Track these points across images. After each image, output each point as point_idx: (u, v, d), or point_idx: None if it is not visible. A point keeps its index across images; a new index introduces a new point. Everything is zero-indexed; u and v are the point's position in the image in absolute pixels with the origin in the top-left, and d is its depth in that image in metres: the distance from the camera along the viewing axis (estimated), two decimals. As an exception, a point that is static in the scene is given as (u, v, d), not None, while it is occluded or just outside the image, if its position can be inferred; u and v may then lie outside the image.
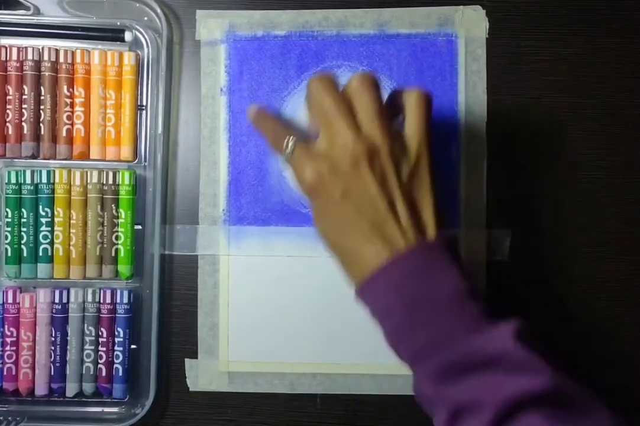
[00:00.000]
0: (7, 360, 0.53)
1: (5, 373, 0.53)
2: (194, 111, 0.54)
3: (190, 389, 0.54)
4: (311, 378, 0.54)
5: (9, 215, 0.52)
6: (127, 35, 0.52)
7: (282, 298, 0.54)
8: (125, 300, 0.53)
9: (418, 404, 0.43)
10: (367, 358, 0.53)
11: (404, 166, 0.43)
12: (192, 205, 0.54)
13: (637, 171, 0.53)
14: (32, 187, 0.52)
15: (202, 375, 0.54)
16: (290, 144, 0.46)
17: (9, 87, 0.52)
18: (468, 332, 0.40)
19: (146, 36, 0.53)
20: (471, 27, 0.54)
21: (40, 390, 0.53)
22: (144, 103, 0.53)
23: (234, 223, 0.54)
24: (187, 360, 0.54)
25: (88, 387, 0.53)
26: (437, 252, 0.42)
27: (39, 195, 0.52)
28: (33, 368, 0.53)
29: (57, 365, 0.53)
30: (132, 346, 0.53)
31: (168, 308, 0.54)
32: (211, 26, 0.54)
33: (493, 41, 0.53)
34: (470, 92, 0.53)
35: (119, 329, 0.53)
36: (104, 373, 0.53)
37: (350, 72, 0.54)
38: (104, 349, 0.53)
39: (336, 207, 0.43)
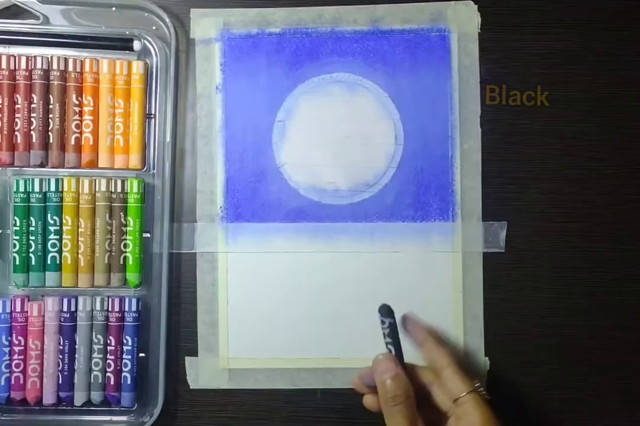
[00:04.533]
0: (15, 369, 0.53)
1: (13, 382, 0.53)
2: (201, 119, 0.55)
3: (191, 387, 0.54)
4: (311, 373, 0.54)
5: (18, 223, 0.52)
6: (136, 45, 0.53)
7: (281, 294, 0.54)
8: (134, 308, 0.53)
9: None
10: (366, 352, 0.53)
11: None
12: (190, 203, 0.55)
13: (630, 162, 0.54)
14: (40, 196, 0.52)
15: (203, 373, 0.54)
16: None
17: (17, 96, 0.52)
18: None
19: (154, 45, 0.53)
20: (463, 22, 0.54)
21: (48, 398, 0.53)
22: (153, 112, 0.53)
23: (231, 220, 0.54)
24: (187, 358, 0.54)
25: (96, 396, 0.53)
26: None
27: (47, 203, 0.52)
28: (41, 377, 0.53)
29: (65, 373, 0.53)
30: (141, 355, 0.53)
31: (171, 309, 0.54)
32: (205, 25, 0.55)
33: (485, 36, 0.54)
34: (463, 86, 0.54)
35: (127, 337, 0.53)
36: (112, 382, 0.53)
37: (345, 68, 0.54)
38: (112, 357, 0.53)
39: None
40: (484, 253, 0.54)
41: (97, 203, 0.53)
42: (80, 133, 0.53)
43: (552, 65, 0.54)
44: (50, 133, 0.52)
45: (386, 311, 0.48)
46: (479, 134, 0.54)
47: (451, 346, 0.53)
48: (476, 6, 0.54)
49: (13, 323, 0.52)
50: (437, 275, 0.54)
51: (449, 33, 0.54)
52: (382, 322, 0.48)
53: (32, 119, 0.52)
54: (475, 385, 0.47)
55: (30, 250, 0.52)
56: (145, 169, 0.53)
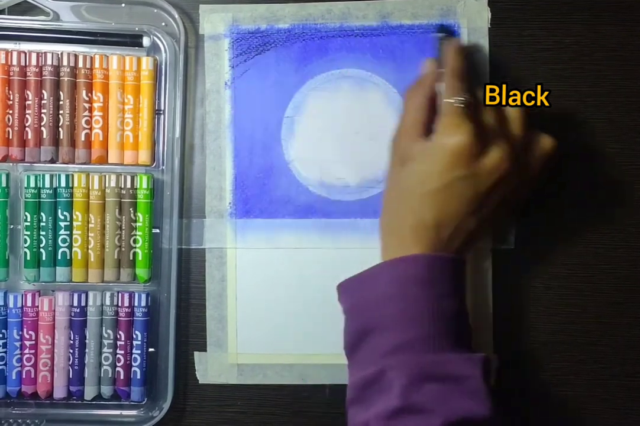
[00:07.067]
0: (25, 363, 0.53)
1: (24, 376, 0.53)
2: (211, 115, 0.55)
3: (200, 382, 0.54)
4: (320, 368, 0.54)
5: (28, 219, 0.53)
6: (145, 41, 0.53)
7: (290, 289, 0.54)
8: (143, 303, 0.53)
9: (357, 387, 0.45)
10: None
11: None
12: (199, 199, 0.55)
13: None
14: (51, 191, 0.53)
15: (212, 368, 0.54)
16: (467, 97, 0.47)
17: (28, 92, 0.52)
18: (453, 346, 0.44)
19: (164, 41, 0.53)
20: (473, 17, 0.54)
21: (59, 393, 0.53)
22: (162, 108, 0.54)
23: (240, 216, 0.54)
24: (196, 353, 0.54)
25: (106, 390, 0.53)
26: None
27: (57, 199, 0.53)
28: (51, 371, 0.53)
29: (76, 368, 0.53)
30: (150, 349, 0.53)
31: (180, 304, 0.54)
32: (214, 20, 0.55)
33: (495, 31, 0.54)
34: (473, 82, 0.53)
35: (137, 332, 0.53)
36: (122, 376, 0.53)
37: (354, 64, 0.54)
38: (122, 352, 0.53)
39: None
40: (494, 249, 0.54)
41: (107, 199, 0.53)
42: (90, 129, 0.53)
43: (563, 60, 0.54)
44: (60, 129, 0.53)
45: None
46: (489, 130, 0.54)
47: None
48: (486, 1, 0.54)
49: (24, 318, 0.53)
50: (446, 271, 0.54)
51: (459, 28, 0.54)
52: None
53: (43, 115, 0.52)
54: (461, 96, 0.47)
55: (41, 245, 0.53)
56: (154, 165, 0.54)
